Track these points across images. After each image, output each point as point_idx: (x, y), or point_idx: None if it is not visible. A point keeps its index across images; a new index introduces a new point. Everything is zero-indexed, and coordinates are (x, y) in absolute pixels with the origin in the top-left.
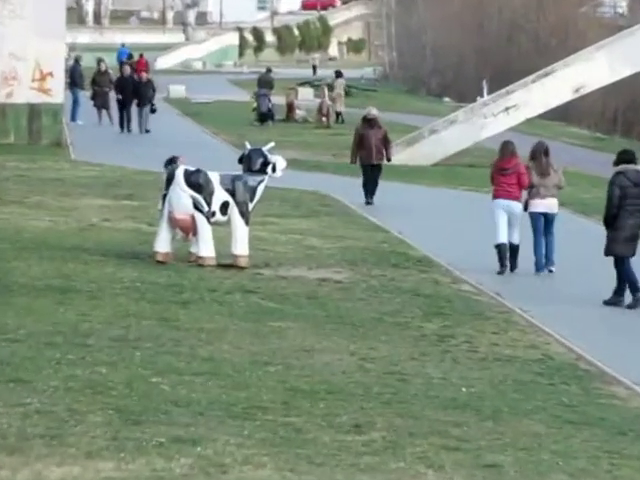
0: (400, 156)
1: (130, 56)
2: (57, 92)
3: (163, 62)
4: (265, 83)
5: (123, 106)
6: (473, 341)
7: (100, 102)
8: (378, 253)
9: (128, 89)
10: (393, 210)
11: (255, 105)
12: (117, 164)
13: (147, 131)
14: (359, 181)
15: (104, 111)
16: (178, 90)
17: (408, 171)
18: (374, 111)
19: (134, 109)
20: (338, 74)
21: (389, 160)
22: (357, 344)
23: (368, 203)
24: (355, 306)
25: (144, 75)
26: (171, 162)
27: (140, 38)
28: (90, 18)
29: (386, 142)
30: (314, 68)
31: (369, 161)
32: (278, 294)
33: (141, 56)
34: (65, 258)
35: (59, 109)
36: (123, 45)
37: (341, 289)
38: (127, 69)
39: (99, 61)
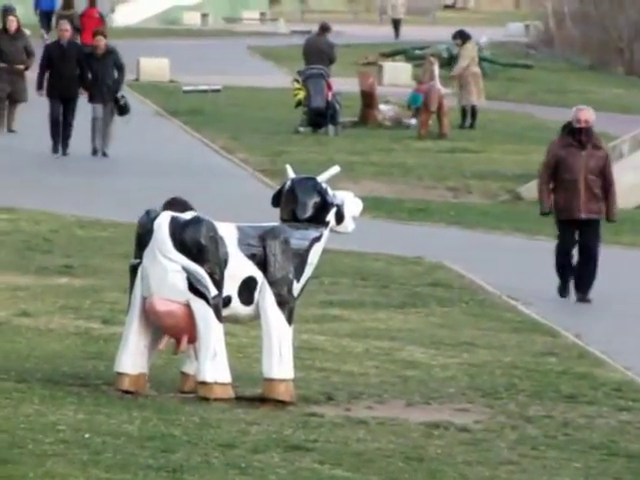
0: None
1: (67, 4)
2: None
3: (125, 14)
4: (318, 54)
5: (57, 103)
6: None
7: (8, 92)
8: (538, 375)
9: (67, 69)
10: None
11: (301, 96)
12: (44, 208)
13: (104, 154)
14: (502, 240)
15: (14, 110)
16: (155, 67)
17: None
18: (587, 113)
19: (81, 108)
20: (462, 36)
21: (611, 218)
22: None
23: (564, 296)
24: (498, 477)
25: (100, 42)
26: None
27: None
28: None
29: (605, 178)
30: (395, 25)
31: (574, 213)
32: (351, 454)
33: (91, 3)
34: None
35: None
36: None
37: (470, 443)
38: (65, 29)
39: (4, 12)
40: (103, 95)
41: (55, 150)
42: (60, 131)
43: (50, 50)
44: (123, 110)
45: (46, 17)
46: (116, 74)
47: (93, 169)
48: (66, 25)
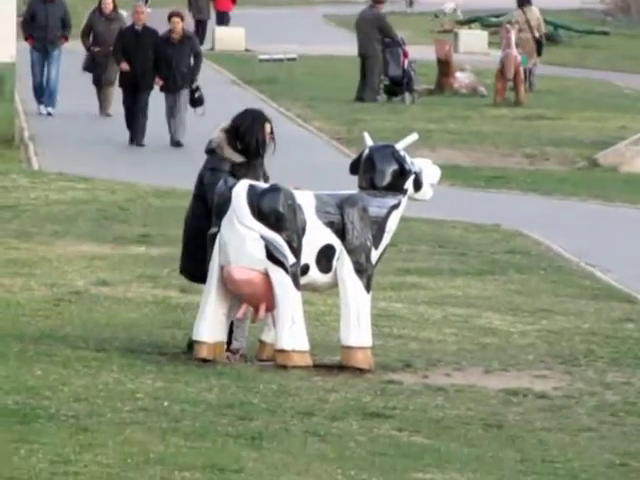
0: None
1: None
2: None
3: None
4: (381, 25)
5: (130, 93)
6: None
7: (101, 74)
8: (617, 341)
9: (142, 57)
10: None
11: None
12: (118, 178)
13: (178, 144)
14: (579, 207)
15: (109, 93)
16: (231, 37)
17: None
18: None
19: (155, 98)
20: (523, 1)
21: None
22: None
23: None
24: (577, 444)
25: (177, 26)
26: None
27: None
28: None
29: None
30: None
31: None
32: (430, 421)
33: None
34: (28, 356)
35: (8, 75)
36: None
37: (549, 410)
38: (140, 11)
39: None
40: (177, 83)
41: (133, 141)
42: (135, 121)
43: (124, 36)
44: (196, 102)
45: None
46: (192, 62)
47: (165, 132)
48: (141, 7)
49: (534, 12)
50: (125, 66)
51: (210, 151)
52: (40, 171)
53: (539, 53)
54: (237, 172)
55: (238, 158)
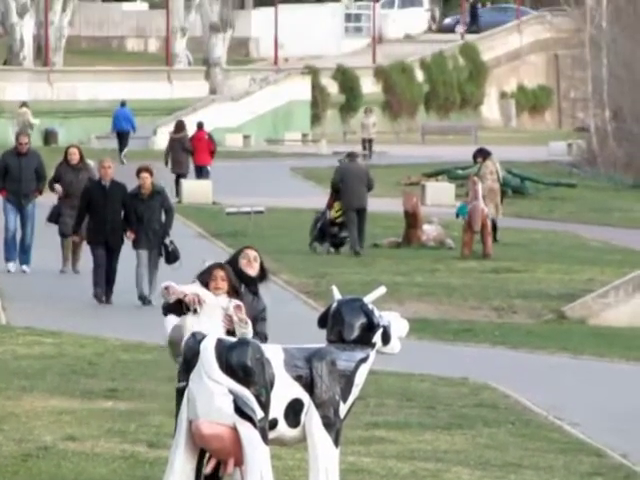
0: (620, 310)
1: (178, 127)
2: None
3: (166, 136)
4: (369, 177)
5: (101, 251)
6: None
7: (68, 226)
8: None
9: (110, 213)
10: (611, 413)
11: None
12: (87, 333)
13: (148, 302)
14: (547, 360)
15: (79, 249)
16: (198, 189)
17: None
18: None
19: (126, 256)
20: (482, 153)
21: None
22: None
23: None
24: None
25: (146, 181)
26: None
27: (120, 90)
28: (28, 54)
29: None
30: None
31: None
32: None
33: (199, 127)
34: None
35: None
36: (123, 104)
37: None
38: (107, 166)
39: (67, 149)
40: (149, 240)
41: (99, 299)
42: (104, 279)
43: (90, 191)
44: (171, 257)
45: (123, 139)
46: (164, 217)
47: (132, 288)
48: (108, 162)
49: (497, 164)
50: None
51: None
52: (7, 325)
53: (501, 201)
54: None
55: None
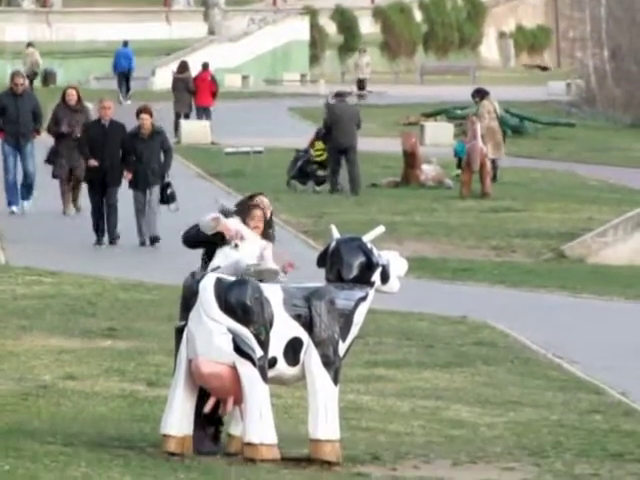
0: (619, 248)
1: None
2: None
3: (165, 77)
4: (359, 117)
5: (97, 191)
6: None
7: (64, 168)
8: (585, 433)
9: (109, 152)
10: (610, 350)
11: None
12: (86, 272)
13: (154, 240)
14: (546, 298)
15: (78, 190)
16: (197, 130)
17: (636, 277)
18: None
19: (121, 194)
20: (480, 93)
21: None
22: None
23: None
24: None
25: (146, 121)
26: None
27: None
28: None
29: None
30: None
31: None
32: None
33: (204, 67)
34: None
35: None
36: (126, 44)
37: None
38: (107, 106)
39: (64, 90)
40: (147, 180)
41: (99, 242)
42: (104, 221)
43: (90, 130)
44: (168, 199)
45: (124, 79)
46: (162, 157)
47: (134, 229)
48: (108, 102)
49: (495, 103)
50: (93, 162)
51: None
52: (7, 265)
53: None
54: None
55: None
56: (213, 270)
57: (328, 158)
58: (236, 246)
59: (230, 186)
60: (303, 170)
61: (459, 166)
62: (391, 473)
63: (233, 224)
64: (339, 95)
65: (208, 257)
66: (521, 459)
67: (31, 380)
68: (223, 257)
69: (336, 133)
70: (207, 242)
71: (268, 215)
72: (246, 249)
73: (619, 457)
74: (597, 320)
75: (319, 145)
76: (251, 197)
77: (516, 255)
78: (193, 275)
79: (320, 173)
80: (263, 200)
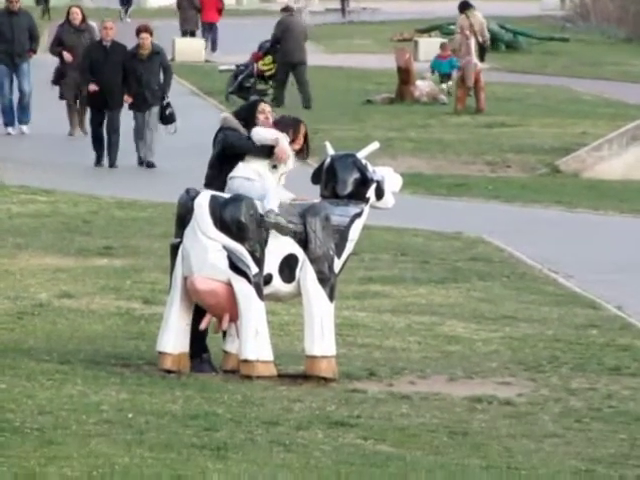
0: (614, 163)
1: None
2: None
3: None
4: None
5: (98, 112)
6: None
7: (71, 88)
8: (581, 347)
9: (110, 74)
10: (605, 265)
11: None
12: (82, 191)
13: (150, 165)
14: (541, 213)
15: (85, 111)
16: (191, 48)
17: (630, 191)
18: None
19: (125, 116)
20: (461, 6)
21: None
22: None
23: None
24: (542, 450)
25: (145, 41)
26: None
27: None
28: None
29: None
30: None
31: None
32: (395, 429)
33: None
34: None
35: None
36: None
37: (514, 417)
38: (109, 27)
39: (68, 9)
40: (147, 101)
41: (99, 162)
42: (104, 142)
43: (91, 52)
44: (168, 119)
45: None
46: (162, 77)
47: (132, 151)
48: (109, 22)
49: (477, 17)
50: (93, 87)
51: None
52: (2, 184)
53: (482, 58)
54: None
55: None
56: (231, 179)
57: (276, 72)
58: (275, 167)
59: (223, 103)
60: (242, 85)
61: (441, 81)
62: (387, 389)
63: (289, 148)
64: (286, 10)
65: (221, 165)
66: (517, 374)
67: (27, 299)
68: (243, 168)
69: (286, 47)
70: (238, 156)
71: (271, 120)
72: (278, 186)
73: (615, 371)
74: (592, 235)
75: (268, 60)
76: (254, 105)
77: (511, 170)
78: (188, 192)
79: (261, 87)
80: (265, 108)
